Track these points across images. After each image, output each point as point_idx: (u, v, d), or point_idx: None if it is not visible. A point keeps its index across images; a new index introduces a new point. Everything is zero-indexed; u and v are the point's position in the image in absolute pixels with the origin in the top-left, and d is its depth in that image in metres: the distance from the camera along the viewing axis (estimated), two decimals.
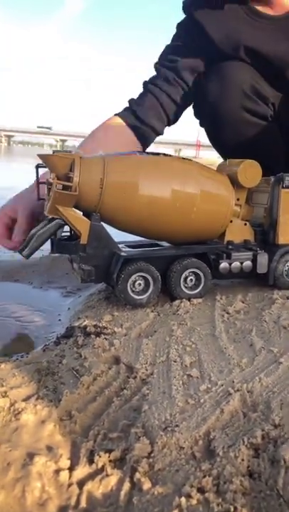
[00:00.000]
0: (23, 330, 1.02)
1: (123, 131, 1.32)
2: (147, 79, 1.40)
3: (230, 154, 1.29)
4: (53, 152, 1.03)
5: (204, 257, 1.06)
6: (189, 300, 1.04)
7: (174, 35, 1.42)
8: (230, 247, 1.10)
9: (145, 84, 1.38)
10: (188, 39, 1.36)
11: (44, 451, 0.58)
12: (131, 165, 1.01)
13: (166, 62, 1.38)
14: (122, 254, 1.00)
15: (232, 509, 0.47)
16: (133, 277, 1.00)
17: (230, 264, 1.07)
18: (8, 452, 0.58)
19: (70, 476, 0.55)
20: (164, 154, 1.08)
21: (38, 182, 1.07)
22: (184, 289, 1.04)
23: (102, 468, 0.56)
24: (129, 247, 1.09)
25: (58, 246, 1.03)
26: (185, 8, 1.36)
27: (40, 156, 1.00)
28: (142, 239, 1.15)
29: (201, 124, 1.52)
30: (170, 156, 1.08)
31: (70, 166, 0.97)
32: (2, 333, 0.99)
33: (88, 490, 0.54)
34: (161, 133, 1.38)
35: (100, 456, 0.57)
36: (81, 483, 0.54)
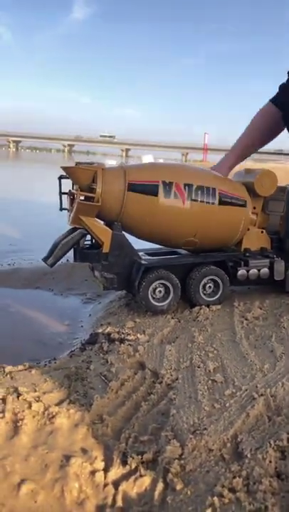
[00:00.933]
0: (48, 336, 1.05)
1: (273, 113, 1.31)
2: None
3: None
4: (76, 164, 1.07)
5: (222, 264, 1.09)
6: (208, 306, 1.07)
7: None
8: (247, 254, 1.13)
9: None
10: None
11: (79, 453, 0.61)
12: (151, 176, 1.04)
13: None
14: (143, 262, 1.03)
15: (263, 508, 0.50)
16: (154, 285, 1.03)
17: (247, 271, 1.10)
18: (45, 454, 0.61)
19: (105, 477, 0.58)
20: None
21: (61, 192, 1.11)
22: (203, 295, 1.07)
23: (136, 469, 0.59)
24: (148, 255, 1.13)
25: (80, 255, 1.06)
26: None
27: (64, 168, 1.04)
28: (161, 246, 1.18)
29: None
30: (187, 165, 1.11)
31: (92, 178, 1.01)
32: (28, 339, 1.03)
33: (123, 490, 0.57)
34: None
35: (132, 458, 0.60)
36: (116, 484, 0.57)
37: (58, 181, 1.10)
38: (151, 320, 1.02)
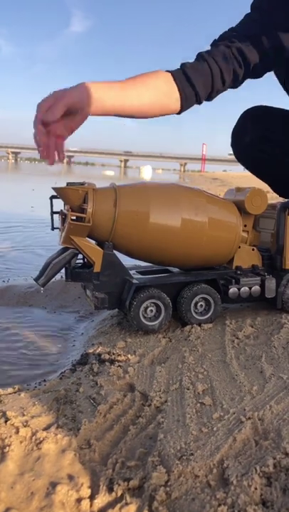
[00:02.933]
0: (39, 356, 1.05)
1: (168, 80, 1.23)
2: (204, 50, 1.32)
3: None
4: (67, 184, 1.08)
5: (214, 282, 1.10)
6: (200, 325, 1.07)
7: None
8: (238, 272, 1.13)
9: (201, 54, 1.31)
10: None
11: (66, 480, 0.61)
12: (141, 196, 1.05)
13: (226, 39, 1.33)
14: (134, 281, 1.04)
15: None
16: (145, 304, 1.03)
17: (239, 289, 1.10)
18: (31, 481, 0.61)
19: (91, 505, 0.58)
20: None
21: (52, 212, 1.11)
22: (194, 314, 1.07)
23: (122, 497, 0.58)
24: (139, 273, 1.13)
25: (72, 274, 1.07)
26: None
27: (55, 189, 1.05)
28: (152, 265, 1.18)
29: None
30: (178, 185, 1.12)
31: (83, 198, 1.02)
32: (20, 360, 1.03)
33: None
34: (201, 100, 1.30)
35: (118, 485, 0.60)
36: None
37: (49, 201, 1.11)
38: (143, 339, 1.02)
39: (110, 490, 0.60)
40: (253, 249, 1.17)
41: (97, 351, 0.98)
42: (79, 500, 0.58)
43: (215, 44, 1.35)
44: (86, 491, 0.60)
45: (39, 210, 3.93)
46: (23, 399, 0.79)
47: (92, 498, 0.59)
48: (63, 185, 1.05)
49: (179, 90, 1.23)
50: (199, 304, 1.08)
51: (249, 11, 1.38)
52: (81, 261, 1.10)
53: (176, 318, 1.08)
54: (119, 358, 0.93)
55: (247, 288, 1.11)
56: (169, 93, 1.22)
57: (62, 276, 1.30)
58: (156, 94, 1.19)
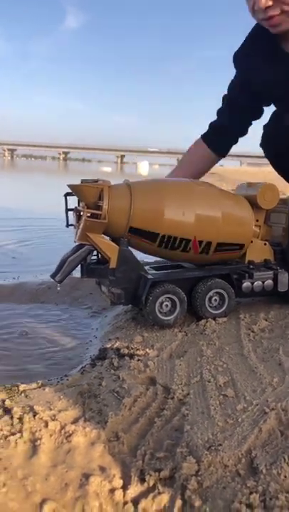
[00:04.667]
0: (57, 352, 1.07)
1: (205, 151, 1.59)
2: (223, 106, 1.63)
3: None
4: (81, 181, 1.09)
5: (227, 277, 1.11)
6: (214, 319, 1.08)
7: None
8: (251, 266, 1.15)
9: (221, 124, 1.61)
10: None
11: (97, 471, 0.63)
12: (155, 191, 1.06)
13: (231, 100, 1.60)
14: (150, 277, 1.05)
15: None
16: (161, 299, 1.05)
17: (252, 283, 1.11)
18: (64, 473, 0.62)
19: (124, 495, 0.60)
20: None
21: (67, 209, 1.12)
22: (209, 308, 1.09)
23: (154, 487, 0.60)
24: (153, 268, 1.14)
25: (87, 270, 1.08)
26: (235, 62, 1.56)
27: (70, 186, 1.06)
28: (165, 260, 1.20)
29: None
30: (191, 181, 1.13)
31: (99, 195, 1.03)
32: (38, 356, 1.04)
33: (143, 508, 0.58)
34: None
35: (150, 475, 0.61)
36: (135, 501, 0.59)
37: (63, 198, 1.12)
38: (159, 334, 1.03)
39: (142, 480, 0.61)
40: (265, 244, 1.18)
41: (115, 346, 0.99)
42: (112, 491, 0.60)
43: (226, 107, 1.61)
44: (118, 482, 0.61)
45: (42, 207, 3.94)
46: (48, 393, 0.80)
47: (124, 488, 0.60)
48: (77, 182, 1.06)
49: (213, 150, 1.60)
50: (213, 298, 1.09)
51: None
52: (95, 257, 1.12)
53: (190, 312, 1.10)
54: (138, 353, 0.94)
55: (260, 282, 1.12)
56: (209, 160, 1.62)
57: (72, 274, 1.32)
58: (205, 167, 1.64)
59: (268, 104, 1.58)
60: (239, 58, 1.54)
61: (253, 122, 1.61)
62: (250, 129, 1.61)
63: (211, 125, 1.62)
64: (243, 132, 1.61)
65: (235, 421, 0.69)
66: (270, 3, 1.19)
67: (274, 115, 1.65)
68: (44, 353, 1.06)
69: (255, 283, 1.12)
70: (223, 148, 1.60)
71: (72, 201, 1.10)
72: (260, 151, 1.72)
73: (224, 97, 1.61)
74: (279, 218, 1.21)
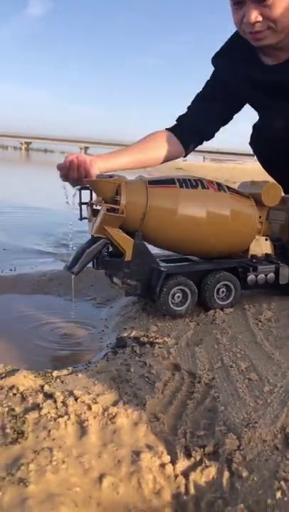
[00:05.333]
0: (72, 341, 1.10)
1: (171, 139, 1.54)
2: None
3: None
4: (97, 177, 1.12)
5: (234, 270, 1.17)
6: (222, 310, 1.15)
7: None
8: (254, 260, 1.22)
9: (186, 119, 1.61)
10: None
11: (145, 448, 0.68)
12: (170, 189, 1.11)
13: (204, 100, 1.62)
14: (163, 269, 1.10)
15: None
16: (173, 290, 1.10)
17: (256, 276, 1.18)
18: (115, 451, 0.67)
19: (174, 469, 0.65)
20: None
21: (81, 203, 1.16)
22: (217, 300, 1.15)
23: (201, 461, 0.66)
24: (163, 261, 1.19)
25: (102, 263, 1.12)
26: (214, 64, 1.63)
27: (87, 181, 1.09)
28: (172, 253, 1.25)
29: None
30: (203, 178, 1.19)
31: (116, 190, 1.07)
32: (55, 345, 1.07)
33: (193, 479, 0.64)
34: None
35: (196, 451, 0.67)
36: (185, 474, 0.64)
37: (78, 192, 1.15)
38: (172, 323, 1.09)
39: (188, 456, 0.67)
40: (267, 239, 1.25)
41: (133, 335, 1.04)
42: (163, 465, 0.65)
43: (198, 107, 1.63)
44: (167, 458, 0.66)
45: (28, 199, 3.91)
46: (82, 379, 0.84)
47: (173, 463, 0.66)
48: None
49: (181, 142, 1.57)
50: (221, 290, 1.15)
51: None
52: (106, 250, 1.15)
53: (197, 303, 1.15)
54: (157, 341, 1.00)
55: (263, 275, 1.19)
56: (173, 148, 1.54)
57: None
58: (164, 153, 1.51)
59: (239, 109, 1.66)
60: (219, 59, 1.61)
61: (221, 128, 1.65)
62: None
63: (180, 118, 1.61)
64: (210, 134, 1.64)
65: (264, 401, 0.76)
66: (260, 18, 1.28)
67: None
68: (61, 342, 1.09)
69: (259, 276, 1.19)
70: (188, 140, 1.57)
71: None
72: (222, 147, 1.84)
73: (198, 95, 1.64)
74: (277, 215, 1.28)
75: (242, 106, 1.65)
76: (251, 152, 1.81)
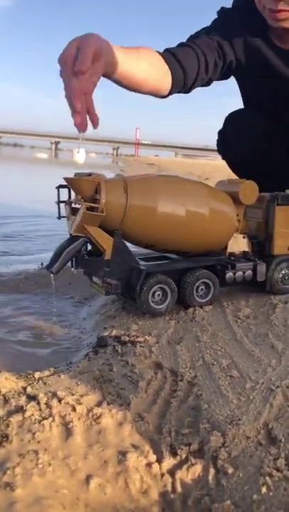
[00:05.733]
0: (53, 341, 1.10)
1: (162, 60, 1.29)
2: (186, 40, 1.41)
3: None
4: (75, 175, 1.12)
5: (213, 268, 1.19)
6: (201, 307, 1.16)
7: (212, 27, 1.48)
8: (232, 258, 1.23)
9: (184, 43, 1.40)
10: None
11: (131, 448, 0.68)
12: (150, 187, 1.11)
13: (203, 33, 1.43)
14: (143, 268, 1.10)
15: None
16: (153, 289, 1.10)
17: (234, 273, 1.20)
18: (101, 452, 0.67)
19: (160, 468, 0.65)
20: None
21: (59, 202, 1.15)
22: (196, 297, 1.16)
23: (186, 459, 0.66)
24: (143, 260, 1.19)
25: (81, 262, 1.11)
26: (220, 15, 1.47)
27: (66, 179, 1.09)
28: (150, 251, 1.25)
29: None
30: (182, 177, 1.19)
31: (95, 188, 1.06)
32: (35, 345, 1.06)
33: (180, 477, 0.64)
34: (188, 85, 1.38)
35: (181, 449, 0.67)
36: (172, 473, 0.65)
37: (56, 191, 1.14)
38: (153, 322, 1.09)
39: (174, 454, 0.67)
40: (244, 237, 1.27)
41: (114, 334, 1.04)
42: (149, 465, 0.65)
43: (195, 36, 1.44)
44: (153, 457, 0.67)
45: None
46: (64, 380, 0.84)
47: (159, 462, 0.66)
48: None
49: (171, 72, 1.31)
50: (200, 287, 1.17)
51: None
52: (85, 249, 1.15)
53: (177, 301, 1.16)
54: (138, 340, 1.00)
55: (241, 273, 1.21)
56: (164, 73, 1.30)
57: (42, 263, 1.34)
58: (155, 70, 1.26)
59: (228, 77, 1.52)
60: (226, 16, 1.46)
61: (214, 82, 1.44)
62: (184, 122, 1.60)
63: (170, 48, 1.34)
64: (214, 75, 1.41)
65: (247, 398, 0.77)
66: None
67: (234, 117, 1.71)
68: (41, 342, 1.08)
69: (237, 273, 1.20)
70: (183, 78, 1.33)
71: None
72: (194, 143, 1.86)
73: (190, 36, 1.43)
74: (254, 213, 1.30)
75: (230, 75, 1.51)
76: None
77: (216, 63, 1.42)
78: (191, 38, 1.44)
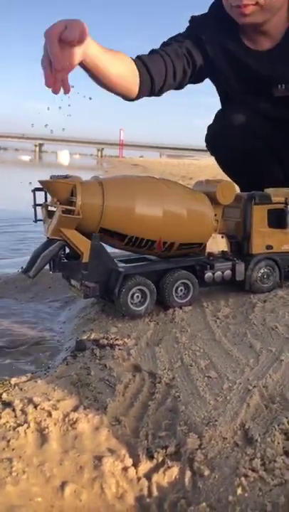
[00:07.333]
0: (31, 345, 1.09)
1: (132, 62, 1.36)
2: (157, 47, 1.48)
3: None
4: (51, 177, 1.11)
5: (192, 268, 1.19)
6: (181, 308, 1.16)
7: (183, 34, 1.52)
8: (211, 258, 1.23)
9: (155, 50, 1.46)
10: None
11: (107, 453, 0.68)
12: (126, 188, 1.11)
13: (174, 41, 1.49)
14: (121, 270, 1.10)
15: (283, 481, 0.60)
16: (132, 291, 1.10)
17: (213, 273, 1.20)
18: (77, 457, 0.67)
19: (136, 472, 0.65)
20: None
21: (35, 205, 1.14)
22: (176, 298, 1.16)
23: (163, 462, 0.66)
24: (121, 261, 1.19)
25: (59, 265, 1.10)
26: (191, 23, 1.53)
27: (42, 182, 1.08)
28: (128, 253, 1.25)
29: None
30: (157, 178, 1.19)
31: (71, 191, 1.05)
32: (13, 350, 1.05)
33: (156, 481, 0.64)
34: (155, 90, 1.44)
35: (158, 452, 0.67)
36: (148, 476, 0.65)
37: (32, 194, 1.13)
38: (132, 324, 1.09)
39: (151, 457, 0.67)
40: (222, 237, 1.27)
41: (92, 337, 1.03)
42: (125, 469, 0.65)
43: (166, 43, 1.48)
44: (129, 461, 0.66)
45: None
46: (41, 385, 0.83)
47: (135, 466, 0.66)
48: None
49: (139, 76, 1.36)
50: (180, 288, 1.16)
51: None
52: (63, 252, 1.14)
53: (156, 302, 1.16)
54: (116, 342, 0.99)
55: (220, 272, 1.21)
56: (135, 76, 1.34)
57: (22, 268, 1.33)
58: (127, 70, 1.33)
59: (202, 80, 1.57)
60: (198, 23, 1.52)
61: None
62: (170, 121, 1.63)
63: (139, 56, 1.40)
64: (183, 80, 1.47)
65: (224, 399, 0.77)
66: None
67: (221, 115, 1.73)
68: (19, 347, 1.07)
69: (216, 273, 1.20)
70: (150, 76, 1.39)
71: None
72: (179, 143, 1.85)
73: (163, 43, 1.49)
74: (233, 213, 1.30)
75: (203, 78, 1.56)
76: (205, 148, 1.83)
77: (185, 70, 1.48)
78: (163, 45, 1.50)
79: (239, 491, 0.59)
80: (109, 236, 1.10)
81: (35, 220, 1.15)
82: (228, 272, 1.22)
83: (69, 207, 1.04)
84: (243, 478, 0.61)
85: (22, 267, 1.55)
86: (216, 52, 1.50)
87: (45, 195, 1.14)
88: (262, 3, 1.30)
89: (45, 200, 1.14)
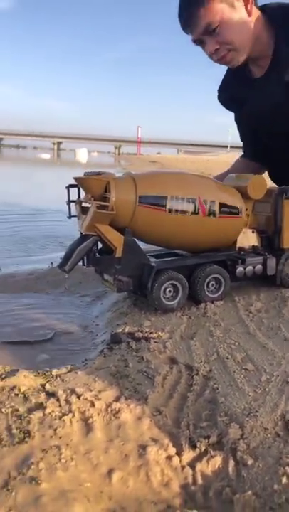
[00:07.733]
0: (67, 338, 1.11)
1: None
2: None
3: None
4: (85, 174, 1.13)
5: (223, 263, 1.19)
6: (212, 302, 1.17)
7: None
8: (242, 253, 1.24)
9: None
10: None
11: (151, 442, 0.69)
12: (158, 183, 1.12)
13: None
14: (154, 265, 1.11)
15: None
16: (165, 285, 1.11)
17: (244, 268, 1.21)
18: (122, 446, 0.68)
19: (180, 460, 0.66)
20: None
21: (69, 201, 1.16)
22: (207, 293, 1.17)
23: (206, 451, 0.67)
24: (154, 257, 1.20)
25: (93, 260, 1.12)
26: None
27: (76, 179, 1.10)
28: (159, 248, 1.26)
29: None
30: (190, 173, 1.20)
31: (104, 187, 1.07)
32: (50, 343, 1.08)
33: (200, 469, 0.65)
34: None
35: (200, 442, 0.68)
36: (192, 465, 0.66)
37: (66, 190, 1.15)
38: (165, 318, 1.10)
39: (194, 447, 0.68)
40: (253, 232, 1.27)
41: (127, 330, 1.05)
42: (169, 458, 0.66)
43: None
44: (172, 450, 0.68)
45: None
46: (81, 377, 0.85)
47: (179, 455, 0.67)
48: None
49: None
50: (211, 283, 1.17)
51: None
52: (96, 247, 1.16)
53: (188, 296, 1.17)
54: (151, 336, 1.01)
55: (251, 267, 1.21)
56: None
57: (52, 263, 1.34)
58: None
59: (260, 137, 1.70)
60: (221, 95, 1.71)
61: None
62: (189, 116, 1.75)
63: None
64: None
65: (263, 390, 0.78)
66: (217, 46, 1.38)
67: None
68: (55, 340, 1.09)
69: (247, 268, 1.21)
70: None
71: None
72: (196, 139, 1.92)
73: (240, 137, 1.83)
74: (263, 208, 1.31)
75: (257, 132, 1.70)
76: (223, 144, 1.91)
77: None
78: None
79: (284, 479, 0.60)
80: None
81: (70, 216, 1.17)
82: (259, 267, 1.22)
83: (103, 203, 1.06)
84: (287, 468, 0.62)
85: (52, 263, 1.59)
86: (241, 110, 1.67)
87: (78, 191, 1.16)
88: (232, 48, 1.40)
89: (79, 196, 1.16)
